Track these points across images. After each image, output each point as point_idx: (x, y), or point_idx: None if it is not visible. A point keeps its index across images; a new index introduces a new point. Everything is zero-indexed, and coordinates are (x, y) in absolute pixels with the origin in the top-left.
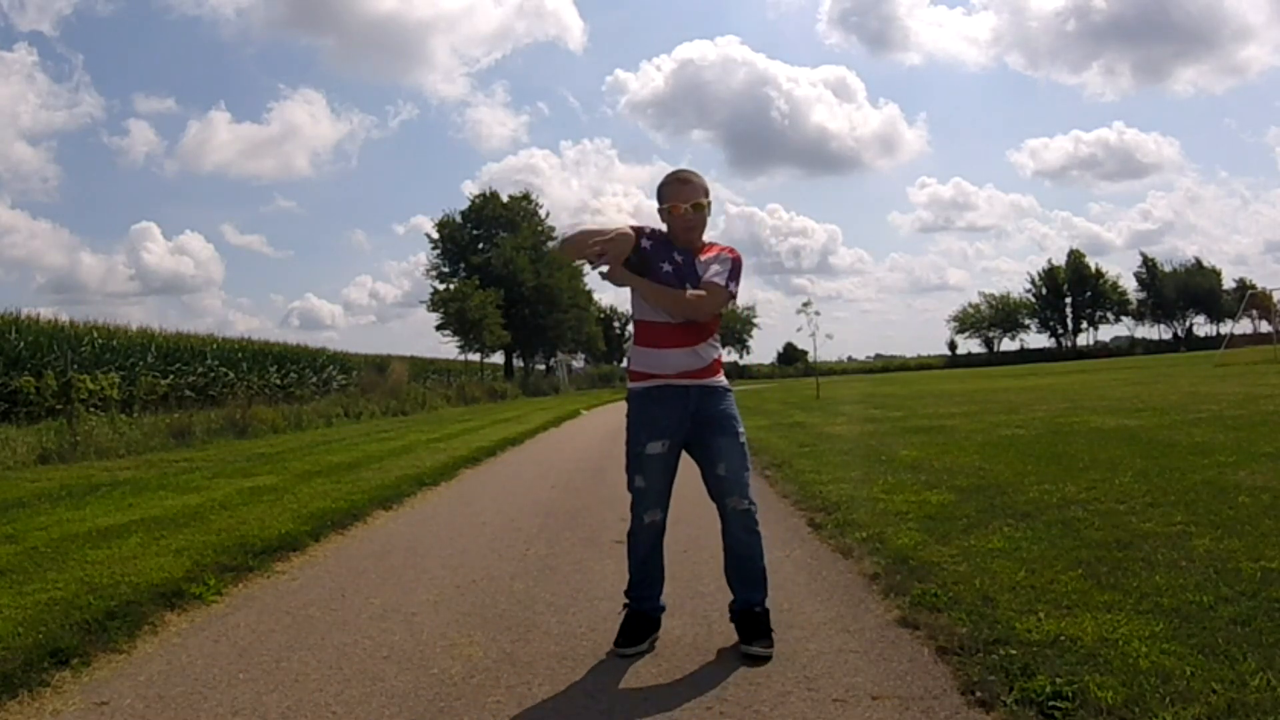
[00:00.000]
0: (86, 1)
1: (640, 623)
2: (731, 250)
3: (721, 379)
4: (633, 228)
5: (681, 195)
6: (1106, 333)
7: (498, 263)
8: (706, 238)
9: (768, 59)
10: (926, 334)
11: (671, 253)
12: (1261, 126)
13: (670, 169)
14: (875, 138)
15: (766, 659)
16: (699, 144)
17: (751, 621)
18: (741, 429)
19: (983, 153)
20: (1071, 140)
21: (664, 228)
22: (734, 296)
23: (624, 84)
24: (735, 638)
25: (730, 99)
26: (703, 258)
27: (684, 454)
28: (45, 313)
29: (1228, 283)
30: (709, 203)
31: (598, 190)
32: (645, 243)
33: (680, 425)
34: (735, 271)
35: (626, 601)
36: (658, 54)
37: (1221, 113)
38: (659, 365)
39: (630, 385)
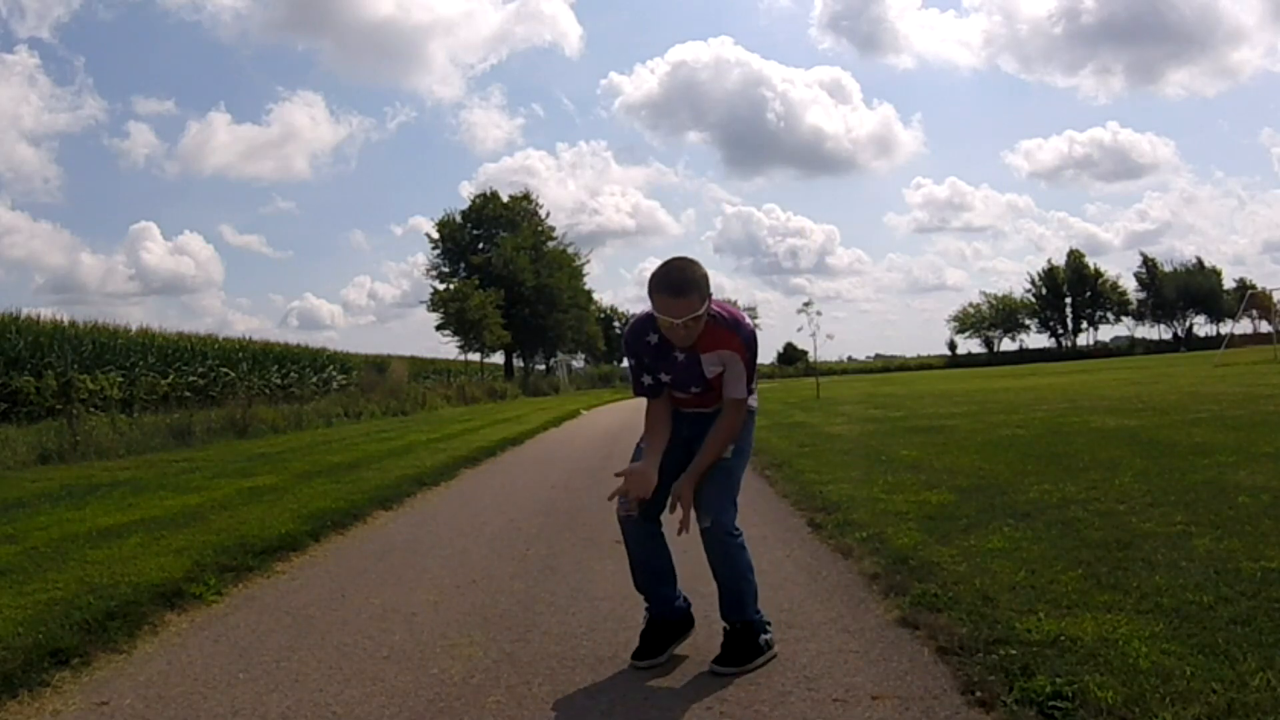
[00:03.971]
0: (87, 6)
1: (660, 631)
2: (736, 338)
3: None
4: (640, 319)
5: (671, 311)
6: (1106, 333)
7: (498, 263)
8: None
9: (762, 59)
10: (926, 334)
11: (671, 352)
12: (1255, 128)
13: (668, 171)
14: (871, 139)
15: (722, 675)
16: (695, 145)
17: (726, 639)
18: (732, 446)
19: (978, 154)
20: (1066, 141)
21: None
22: (752, 393)
23: (619, 86)
24: None
25: (725, 100)
26: (707, 355)
27: None
28: (45, 313)
29: (1228, 283)
30: (707, 303)
31: (595, 191)
32: (653, 338)
33: (677, 430)
34: (750, 372)
35: (647, 607)
36: (652, 56)
37: (1214, 114)
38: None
39: None
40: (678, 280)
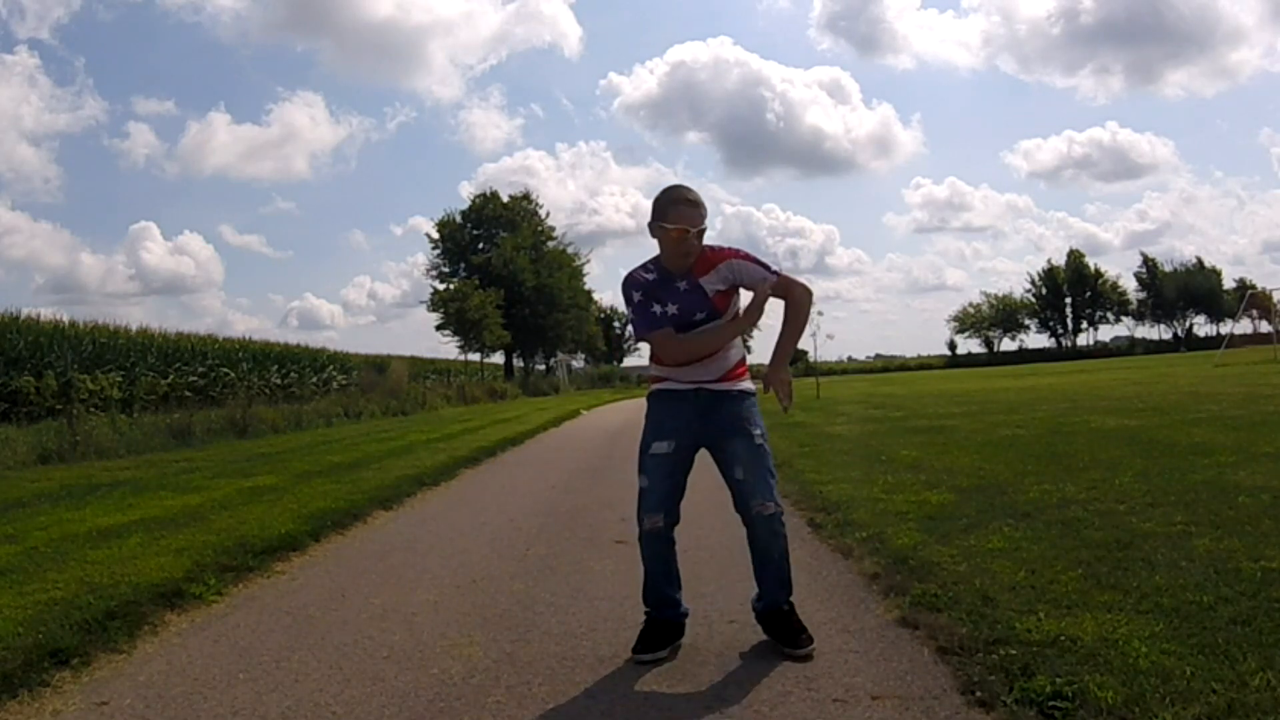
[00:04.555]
0: (87, 8)
1: (660, 629)
2: (727, 252)
3: (740, 383)
4: (632, 277)
5: (688, 219)
6: (1106, 333)
7: (498, 263)
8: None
9: (761, 59)
10: (926, 334)
11: (672, 283)
12: (1254, 128)
13: (667, 171)
14: (870, 139)
15: (811, 653)
16: (694, 145)
17: (783, 621)
18: (759, 430)
19: (977, 154)
20: (1065, 141)
21: (653, 256)
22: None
23: (618, 87)
24: (737, 637)
25: (724, 100)
26: (705, 277)
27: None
28: (45, 313)
29: (1228, 283)
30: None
31: (594, 191)
32: (636, 295)
33: (687, 426)
34: (756, 260)
35: (647, 610)
36: (651, 57)
37: (1213, 115)
38: (676, 374)
39: (649, 390)
40: (692, 196)
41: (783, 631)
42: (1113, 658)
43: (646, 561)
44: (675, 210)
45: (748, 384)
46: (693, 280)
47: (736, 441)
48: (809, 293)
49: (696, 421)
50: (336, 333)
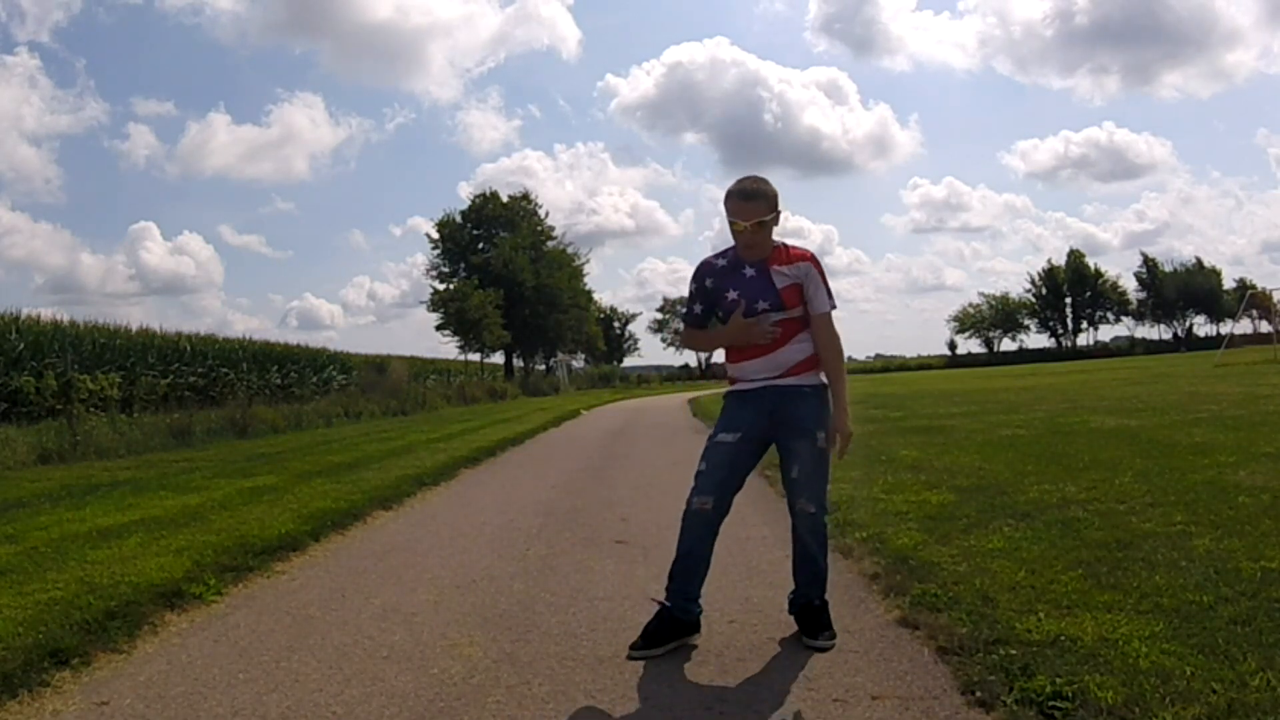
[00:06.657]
0: (86, 11)
1: (670, 624)
2: (806, 255)
3: (808, 377)
4: (704, 262)
5: (741, 213)
6: (1106, 333)
7: (497, 263)
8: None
9: (759, 60)
10: (926, 334)
11: (741, 270)
12: (1250, 129)
13: (665, 172)
14: (868, 139)
15: (827, 649)
16: (692, 146)
17: (812, 615)
18: (822, 433)
19: (975, 154)
20: (1062, 141)
21: (732, 245)
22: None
23: (615, 88)
24: (737, 637)
25: (722, 100)
26: (777, 267)
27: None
28: (45, 313)
29: (1228, 283)
30: (775, 215)
31: (593, 191)
32: (709, 281)
33: (755, 421)
34: (825, 282)
35: (665, 601)
36: (648, 58)
37: (1210, 115)
38: (741, 373)
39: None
40: (748, 188)
41: (808, 624)
42: (1113, 658)
43: (684, 544)
44: (730, 203)
45: (815, 378)
46: (763, 268)
47: (800, 443)
48: (839, 354)
49: (766, 418)
50: (336, 333)
